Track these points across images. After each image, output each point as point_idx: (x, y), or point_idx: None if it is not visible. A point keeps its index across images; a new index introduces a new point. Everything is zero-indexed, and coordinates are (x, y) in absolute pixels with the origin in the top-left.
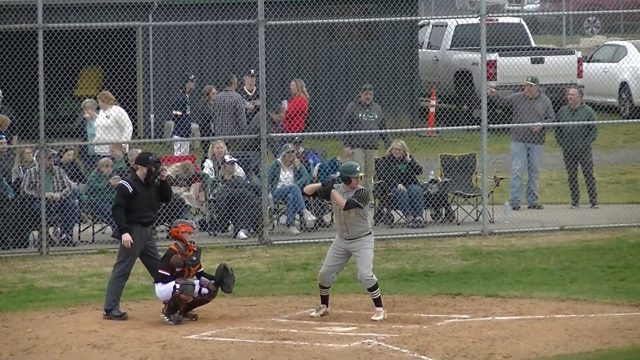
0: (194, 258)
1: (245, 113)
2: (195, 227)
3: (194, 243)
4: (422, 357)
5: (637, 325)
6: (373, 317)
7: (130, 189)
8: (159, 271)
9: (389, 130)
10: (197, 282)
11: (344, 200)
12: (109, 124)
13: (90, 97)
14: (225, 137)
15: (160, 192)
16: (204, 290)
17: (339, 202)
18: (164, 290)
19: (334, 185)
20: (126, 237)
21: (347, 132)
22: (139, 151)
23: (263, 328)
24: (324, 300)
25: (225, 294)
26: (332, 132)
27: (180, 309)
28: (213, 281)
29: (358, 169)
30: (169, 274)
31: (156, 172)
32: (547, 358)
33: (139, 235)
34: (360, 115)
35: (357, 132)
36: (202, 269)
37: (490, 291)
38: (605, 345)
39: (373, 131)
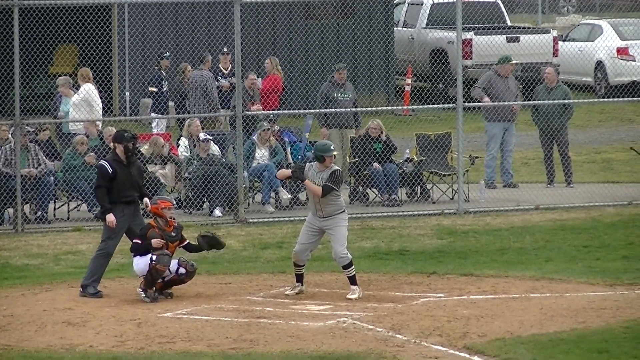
0: (173, 234)
1: (222, 91)
2: (174, 203)
3: (174, 219)
4: (397, 335)
5: (612, 305)
6: (348, 296)
7: (110, 170)
8: (134, 240)
9: (363, 109)
10: (175, 261)
11: (319, 187)
12: (79, 102)
13: (65, 75)
14: (201, 115)
15: (139, 172)
16: (182, 270)
17: (315, 191)
18: (141, 263)
19: (308, 164)
20: (110, 218)
21: (322, 110)
22: (114, 129)
23: (238, 306)
24: (299, 278)
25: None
26: (307, 111)
27: (156, 286)
28: (193, 262)
29: (332, 147)
30: (140, 242)
31: (133, 149)
32: (522, 337)
33: (121, 215)
34: (335, 94)
35: (333, 110)
36: (187, 242)
37: (466, 270)
38: (580, 324)
39: (348, 109)
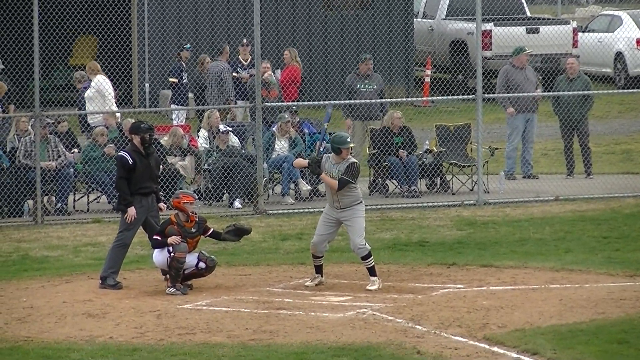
0: (193, 230)
1: (241, 82)
2: (196, 197)
3: (195, 214)
4: (417, 326)
5: (631, 295)
6: (368, 287)
7: (130, 160)
8: (153, 236)
9: (384, 100)
10: (195, 255)
11: (335, 180)
12: (92, 95)
13: (82, 68)
14: (221, 106)
15: (157, 163)
16: (201, 265)
17: (331, 184)
18: (160, 255)
19: (325, 155)
20: (131, 212)
21: (340, 102)
22: (132, 120)
23: (258, 297)
24: (318, 270)
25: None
26: (327, 102)
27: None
28: (213, 257)
29: (349, 139)
30: (160, 238)
31: (150, 139)
32: (541, 328)
33: (139, 206)
34: (359, 86)
35: (351, 102)
36: (212, 230)
37: (485, 261)
38: (600, 315)
39: (367, 101)
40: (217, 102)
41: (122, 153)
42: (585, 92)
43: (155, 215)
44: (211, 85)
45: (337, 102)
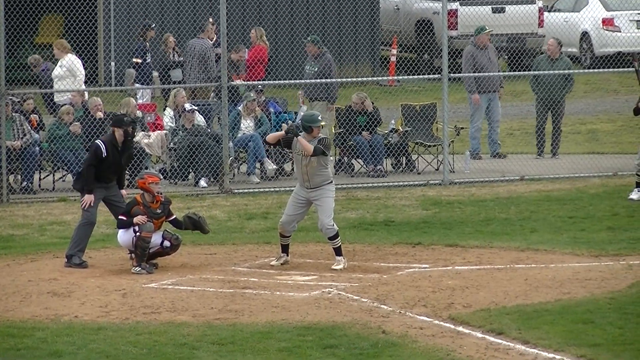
0: (159, 211)
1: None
2: (161, 177)
3: (161, 194)
4: (382, 306)
5: (596, 276)
6: (333, 266)
7: (104, 153)
8: (119, 216)
9: (348, 79)
10: (160, 234)
11: (311, 146)
12: (63, 73)
13: (48, 47)
14: (186, 85)
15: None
16: (166, 243)
17: (307, 148)
18: (125, 235)
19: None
20: (88, 198)
21: (293, 81)
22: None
23: (223, 277)
24: (285, 249)
25: (204, 235)
26: (289, 81)
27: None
28: (177, 235)
29: (319, 118)
30: (125, 218)
31: (132, 133)
32: (506, 308)
33: (98, 186)
34: (306, 67)
35: (295, 82)
36: (174, 216)
37: (451, 241)
38: (565, 295)
39: (311, 81)
40: (200, 81)
41: (98, 142)
42: (568, 71)
43: (114, 194)
44: (191, 64)
45: (293, 81)
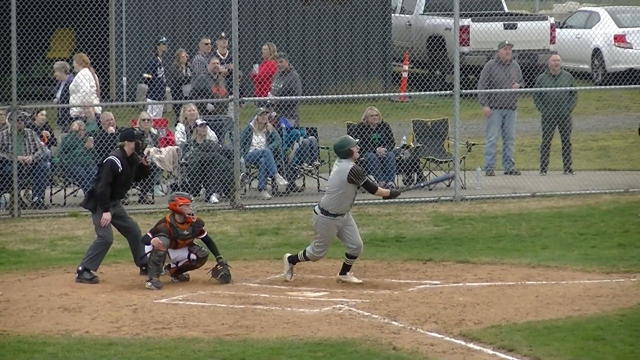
0: (186, 232)
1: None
2: (192, 199)
3: (192, 215)
4: (393, 322)
5: (607, 292)
6: (354, 280)
7: (120, 168)
8: (147, 232)
9: (360, 96)
10: (186, 247)
11: (387, 190)
12: (74, 88)
13: (62, 60)
14: (197, 100)
15: (137, 172)
16: (193, 256)
17: (383, 193)
18: (147, 250)
19: (336, 164)
20: (107, 217)
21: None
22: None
23: (234, 292)
24: (294, 260)
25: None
26: (297, 97)
27: (169, 272)
28: (203, 248)
29: (351, 138)
30: (151, 235)
31: (143, 145)
32: (517, 324)
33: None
34: (272, 83)
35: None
36: (205, 234)
37: (462, 257)
38: (576, 312)
39: (278, 98)
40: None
41: (112, 158)
42: (569, 88)
43: (120, 209)
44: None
45: (299, 97)
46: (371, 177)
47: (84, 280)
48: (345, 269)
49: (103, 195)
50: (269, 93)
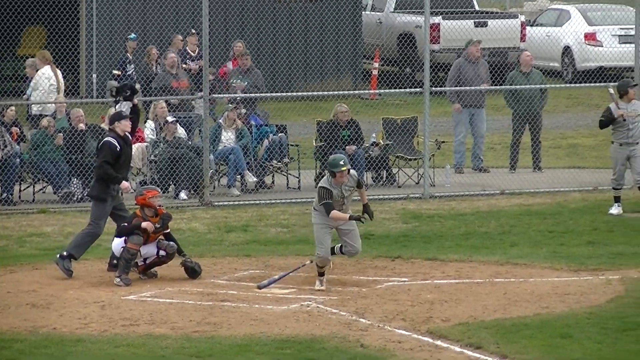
0: (158, 225)
1: (190, 73)
2: (159, 191)
3: (162, 207)
4: (361, 319)
5: (575, 290)
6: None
7: (118, 147)
8: (121, 225)
9: (330, 93)
10: (155, 243)
11: (345, 215)
12: (33, 85)
13: (32, 57)
14: (168, 97)
15: (132, 112)
16: (162, 252)
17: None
18: (119, 244)
19: (324, 180)
20: (125, 185)
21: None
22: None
23: (202, 289)
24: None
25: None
26: (268, 95)
27: (139, 269)
28: (172, 243)
29: (342, 162)
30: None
31: (135, 90)
32: (485, 322)
33: (110, 196)
34: (231, 80)
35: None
36: (168, 231)
37: (430, 254)
38: (544, 309)
39: (248, 95)
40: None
41: (109, 139)
42: (543, 86)
43: (120, 203)
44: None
45: (275, 94)
46: (332, 205)
47: (61, 268)
48: (320, 274)
49: (105, 173)
50: (237, 90)
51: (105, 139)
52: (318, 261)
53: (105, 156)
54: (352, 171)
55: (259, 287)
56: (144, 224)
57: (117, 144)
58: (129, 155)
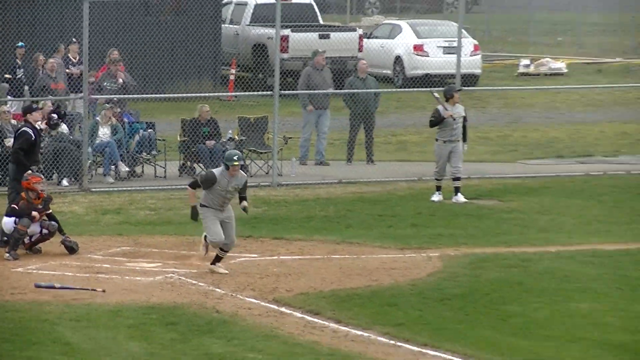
0: (40, 206)
1: (72, 77)
2: (43, 177)
3: (44, 191)
4: (217, 289)
5: (401, 266)
6: (221, 271)
7: (33, 136)
8: (11, 205)
9: (193, 95)
10: (38, 224)
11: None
12: None
13: None
14: (55, 98)
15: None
16: (45, 231)
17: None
18: (8, 223)
19: (218, 170)
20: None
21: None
22: None
23: (80, 263)
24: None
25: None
26: (139, 96)
27: (25, 246)
28: (53, 222)
29: (236, 157)
30: (17, 208)
31: (61, 110)
32: (323, 292)
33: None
34: (105, 83)
35: (151, 96)
36: (50, 211)
37: (277, 234)
38: (374, 282)
39: (110, 96)
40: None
41: (25, 129)
42: (378, 90)
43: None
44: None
45: (149, 95)
46: (201, 184)
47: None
48: (217, 259)
49: (19, 160)
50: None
51: (22, 128)
52: (213, 245)
53: (21, 143)
54: (244, 175)
55: (37, 286)
56: (33, 213)
57: (32, 133)
58: (39, 143)
